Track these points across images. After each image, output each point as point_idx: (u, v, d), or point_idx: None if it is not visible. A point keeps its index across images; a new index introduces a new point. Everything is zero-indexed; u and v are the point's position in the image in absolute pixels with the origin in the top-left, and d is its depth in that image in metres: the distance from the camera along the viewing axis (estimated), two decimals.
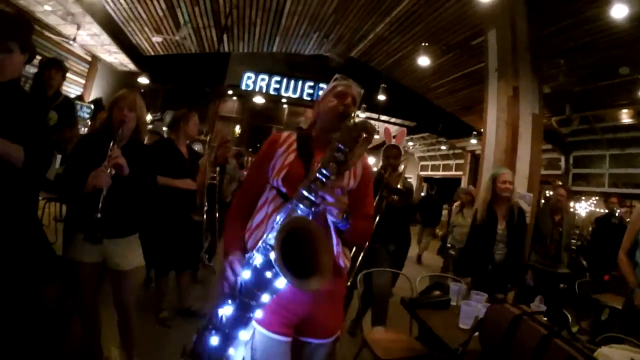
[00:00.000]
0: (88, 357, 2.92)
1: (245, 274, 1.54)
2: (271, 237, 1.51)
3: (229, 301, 1.56)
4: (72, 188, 2.52)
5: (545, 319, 2.08)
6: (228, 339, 1.56)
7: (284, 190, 1.78)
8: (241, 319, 1.55)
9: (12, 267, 2.13)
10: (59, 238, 3.58)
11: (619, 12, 5.46)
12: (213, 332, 1.57)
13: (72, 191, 2.55)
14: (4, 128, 1.98)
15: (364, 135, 1.59)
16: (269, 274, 1.50)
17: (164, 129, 7.58)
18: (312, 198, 1.55)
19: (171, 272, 4.19)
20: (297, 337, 1.80)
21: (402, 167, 4.40)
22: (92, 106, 4.78)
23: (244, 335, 1.59)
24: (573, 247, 5.90)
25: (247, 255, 1.61)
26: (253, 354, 1.68)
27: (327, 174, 1.55)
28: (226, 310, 1.55)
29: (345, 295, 4.34)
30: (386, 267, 4.31)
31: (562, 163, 13.43)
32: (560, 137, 12.59)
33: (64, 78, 4.38)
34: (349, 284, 3.42)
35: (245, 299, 1.53)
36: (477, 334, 2.24)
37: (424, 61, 9.59)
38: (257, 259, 1.53)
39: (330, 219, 1.69)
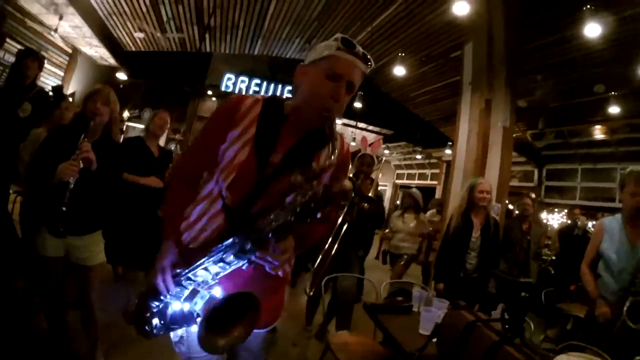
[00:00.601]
0: (53, 352, 2.93)
1: (175, 306, 1.47)
2: (201, 282, 1.43)
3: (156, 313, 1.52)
4: (40, 179, 2.53)
5: (507, 326, 2.13)
6: (168, 325, 1.54)
7: (227, 202, 1.53)
8: (179, 323, 1.49)
9: None
10: None
11: (592, 31, 5.62)
12: (155, 316, 1.54)
13: (39, 182, 2.56)
14: None
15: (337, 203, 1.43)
16: (192, 323, 1.44)
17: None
18: (248, 257, 1.38)
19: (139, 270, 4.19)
20: None
21: (374, 175, 4.46)
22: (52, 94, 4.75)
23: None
24: (544, 257, 6.01)
25: (180, 271, 1.48)
26: (188, 336, 1.60)
27: (273, 237, 1.34)
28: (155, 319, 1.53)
29: (313, 299, 4.41)
30: (355, 272, 4.37)
31: (536, 175, 13.75)
32: (535, 150, 12.88)
33: (40, 69, 4.33)
34: (311, 292, 3.46)
35: (172, 326, 1.51)
36: (435, 339, 2.30)
37: (404, 70, 9.71)
38: (185, 297, 1.45)
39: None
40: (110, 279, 4.55)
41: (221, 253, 1.39)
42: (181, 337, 1.62)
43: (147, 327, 1.54)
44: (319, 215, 1.26)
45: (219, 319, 1.31)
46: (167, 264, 1.48)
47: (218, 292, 1.42)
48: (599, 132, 11.33)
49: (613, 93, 8.48)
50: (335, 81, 1.43)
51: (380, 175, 19.01)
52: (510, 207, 8.06)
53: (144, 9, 10.27)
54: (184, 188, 1.65)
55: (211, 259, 1.41)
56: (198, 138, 1.68)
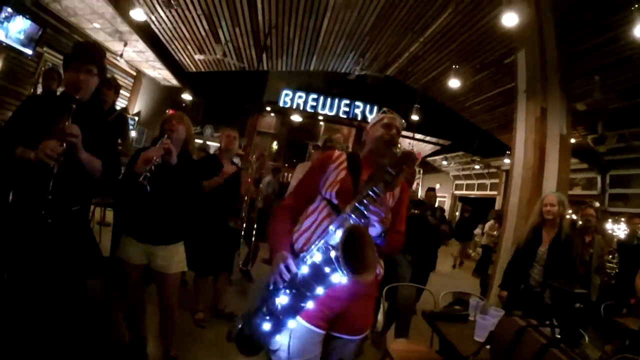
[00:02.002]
0: (130, 347, 3.21)
1: (304, 269, 1.75)
2: (332, 240, 1.74)
3: (286, 291, 1.78)
4: (128, 176, 2.75)
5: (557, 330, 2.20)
6: (279, 325, 1.80)
7: (335, 202, 2.03)
8: (294, 308, 1.78)
9: (64, 262, 2.36)
10: (102, 241, 3.91)
11: None
12: (267, 317, 1.80)
13: (127, 178, 2.76)
14: (89, 143, 2.25)
15: (409, 163, 1.85)
16: (327, 270, 1.69)
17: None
18: (363, 210, 1.78)
19: (209, 275, 4.47)
20: (330, 331, 2.00)
21: (415, 184, 4.59)
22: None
23: (291, 323, 1.82)
24: (608, 270, 5.78)
25: (302, 255, 1.82)
26: (290, 341, 1.85)
27: (377, 191, 1.77)
28: (282, 299, 1.77)
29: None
30: (408, 275, 4.48)
31: (599, 182, 13.09)
32: (597, 155, 12.32)
33: (117, 94, 4.80)
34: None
35: (303, 289, 1.75)
36: (489, 346, 2.39)
37: (458, 79, 9.72)
38: (317, 257, 1.74)
39: (372, 231, 1.87)
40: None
41: (344, 216, 1.81)
42: (281, 345, 1.88)
43: (256, 336, 1.83)
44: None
45: (351, 259, 1.61)
46: (287, 255, 1.85)
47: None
48: None
49: None
50: (387, 128, 2.22)
51: (438, 186, 18.86)
52: (574, 217, 7.84)
53: (202, 33, 10.76)
54: (289, 218, 2.14)
55: (334, 223, 1.82)
56: (305, 176, 2.27)
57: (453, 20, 8.60)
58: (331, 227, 1.79)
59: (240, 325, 1.86)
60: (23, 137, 2.14)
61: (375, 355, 3.92)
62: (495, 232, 11.50)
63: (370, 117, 12.06)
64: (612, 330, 4.69)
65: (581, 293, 4.30)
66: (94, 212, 5.90)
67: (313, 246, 1.79)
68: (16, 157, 2.10)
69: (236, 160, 6.02)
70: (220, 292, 4.60)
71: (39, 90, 8.07)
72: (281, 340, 1.86)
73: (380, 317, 4.68)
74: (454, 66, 9.79)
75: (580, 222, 5.20)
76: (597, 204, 12.39)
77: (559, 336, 2.06)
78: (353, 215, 1.78)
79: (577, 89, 8.29)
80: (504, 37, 7.97)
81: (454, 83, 9.82)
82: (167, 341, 3.22)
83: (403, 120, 2.30)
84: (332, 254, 1.67)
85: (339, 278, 1.68)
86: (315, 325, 1.90)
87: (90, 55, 2.40)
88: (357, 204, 1.78)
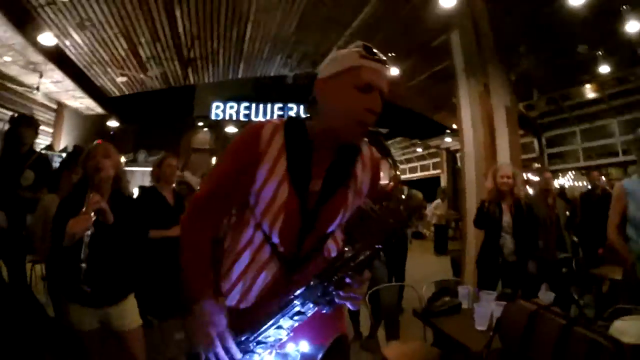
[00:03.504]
0: None
1: None
2: (274, 341, 1.27)
3: None
4: (57, 250, 2.35)
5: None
6: None
7: (280, 247, 1.39)
8: None
9: (14, 340, 2.06)
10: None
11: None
12: None
13: (57, 254, 2.40)
14: None
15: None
16: None
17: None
18: (330, 300, 1.25)
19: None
20: None
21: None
22: (66, 156, 4.71)
23: None
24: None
25: (244, 338, 1.29)
26: None
27: (353, 276, 1.23)
28: None
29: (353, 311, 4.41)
30: (385, 276, 4.39)
31: (536, 145, 13.76)
32: (530, 120, 12.92)
33: (36, 133, 4.34)
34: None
35: None
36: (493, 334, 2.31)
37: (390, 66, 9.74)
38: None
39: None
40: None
41: (297, 305, 1.25)
42: None
43: None
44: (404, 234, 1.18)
45: None
46: (223, 328, 1.28)
47: (305, 347, 1.30)
48: (589, 91, 11.40)
49: (599, 52, 8.54)
50: (368, 92, 1.30)
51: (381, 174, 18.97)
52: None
53: (122, 53, 10.27)
54: (206, 237, 1.43)
55: (286, 314, 1.25)
56: (217, 180, 1.47)
57: (376, 11, 8.59)
58: (293, 307, 1.25)
59: None
60: None
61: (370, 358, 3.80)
62: (439, 211, 11.80)
63: None
64: (587, 281, 4.83)
65: (565, 258, 4.43)
66: (33, 268, 5.43)
67: (261, 332, 1.27)
68: None
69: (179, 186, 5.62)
70: (192, 335, 4.24)
71: None
72: None
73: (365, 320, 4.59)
74: (385, 51, 9.81)
75: (539, 186, 5.33)
76: (538, 165, 13.08)
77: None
78: (311, 305, 1.25)
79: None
80: (428, 22, 8.03)
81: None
82: None
83: (390, 68, 1.43)
84: None
85: None
86: None
87: None
88: (318, 293, 1.24)
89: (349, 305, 1.31)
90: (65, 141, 12.53)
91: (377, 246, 1.19)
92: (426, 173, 20.26)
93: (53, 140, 11.95)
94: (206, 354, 1.29)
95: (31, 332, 2.32)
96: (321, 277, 1.24)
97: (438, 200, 12.32)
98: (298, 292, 1.26)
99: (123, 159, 14.29)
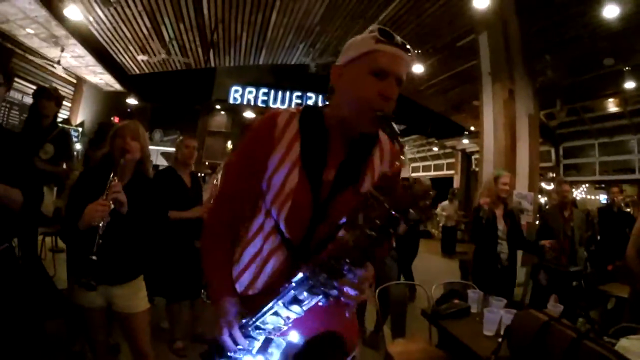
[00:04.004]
0: None
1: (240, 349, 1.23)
2: (273, 328, 1.23)
3: None
4: (71, 230, 2.28)
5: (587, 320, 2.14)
6: None
7: (287, 235, 1.35)
8: None
9: (16, 305, 2.06)
10: (58, 270, 3.53)
11: (610, 12, 5.65)
12: None
13: (70, 231, 2.34)
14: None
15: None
16: None
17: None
18: (325, 291, 1.17)
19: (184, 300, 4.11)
20: None
21: None
22: (94, 134, 4.66)
23: None
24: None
25: (245, 322, 1.26)
26: None
27: (351, 266, 1.12)
28: None
29: (359, 306, 4.41)
30: (395, 274, 4.38)
31: (553, 155, 13.67)
32: (549, 129, 12.83)
33: (58, 106, 4.26)
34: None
35: None
36: (501, 340, 2.30)
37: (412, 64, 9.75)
38: (258, 349, 1.23)
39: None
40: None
41: (292, 292, 1.19)
42: None
43: None
44: (403, 226, 1.06)
45: None
46: (233, 318, 1.25)
47: (295, 337, 1.25)
48: (612, 105, 11.29)
49: (627, 68, 8.48)
50: (383, 78, 1.23)
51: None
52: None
53: (145, 31, 10.34)
54: (225, 245, 1.41)
55: (281, 300, 1.21)
56: (233, 170, 1.47)
57: (403, 7, 8.56)
58: (290, 292, 1.19)
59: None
60: None
61: (373, 357, 3.79)
62: (446, 212, 11.65)
63: None
64: (594, 297, 4.80)
65: (576, 271, 4.40)
66: (44, 241, 5.45)
67: (260, 317, 1.23)
68: None
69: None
70: (198, 317, 4.20)
71: None
72: None
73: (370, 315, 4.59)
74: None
75: (557, 197, 5.29)
76: (553, 175, 13.01)
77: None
78: (305, 293, 1.18)
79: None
80: (454, 22, 8.00)
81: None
82: None
83: (410, 52, 1.28)
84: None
85: None
86: None
87: None
88: (310, 281, 1.16)
89: (346, 300, 1.19)
90: (82, 116, 12.60)
91: (375, 235, 1.07)
92: (439, 173, 20.10)
93: (70, 115, 12.01)
94: (215, 340, 1.26)
95: (38, 304, 2.30)
96: (316, 265, 1.16)
97: (446, 202, 12.11)
98: (294, 279, 1.20)
99: None
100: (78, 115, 12.51)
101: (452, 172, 18.73)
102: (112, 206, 2.20)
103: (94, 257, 2.12)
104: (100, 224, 2.15)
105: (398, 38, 1.25)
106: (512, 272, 4.09)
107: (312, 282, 1.15)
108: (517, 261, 4.17)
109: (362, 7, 8.96)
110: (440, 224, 12.25)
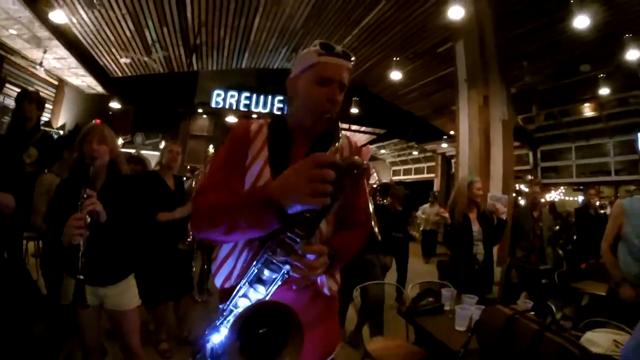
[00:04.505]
0: None
1: (215, 338, 1.28)
2: (252, 294, 1.29)
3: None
4: (53, 241, 2.26)
5: (532, 313, 2.26)
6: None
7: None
8: None
9: (6, 309, 2.10)
10: (40, 275, 3.56)
11: (573, 14, 5.87)
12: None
13: (54, 243, 2.29)
14: None
15: (356, 179, 1.21)
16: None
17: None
18: (278, 264, 1.26)
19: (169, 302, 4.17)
20: None
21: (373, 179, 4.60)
22: (67, 134, 4.69)
23: None
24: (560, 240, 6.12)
25: (220, 308, 1.35)
26: None
27: (295, 237, 1.23)
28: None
29: (340, 305, 4.52)
30: (380, 275, 4.50)
31: (530, 158, 13.98)
32: (527, 133, 13.10)
33: (40, 109, 4.26)
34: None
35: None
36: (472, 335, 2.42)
37: (393, 69, 9.93)
38: (223, 331, 1.29)
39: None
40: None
41: (255, 270, 1.28)
42: None
43: None
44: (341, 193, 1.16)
45: (256, 347, 1.17)
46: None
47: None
48: (588, 110, 11.65)
49: (601, 75, 8.76)
50: (327, 86, 1.44)
51: (375, 175, 19.16)
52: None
53: (128, 34, 10.28)
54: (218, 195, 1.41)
55: (246, 280, 1.30)
56: (217, 164, 1.55)
57: (387, 12, 8.68)
58: (251, 272, 1.29)
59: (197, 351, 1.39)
60: None
61: (352, 355, 3.90)
62: (424, 215, 11.61)
63: None
64: (568, 294, 4.97)
65: (546, 269, 4.56)
66: (27, 246, 5.42)
67: (231, 300, 1.33)
68: None
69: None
70: (183, 318, 4.33)
71: None
72: None
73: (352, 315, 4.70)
74: (390, 58, 9.97)
75: (527, 199, 5.47)
76: (531, 177, 13.28)
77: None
78: (266, 270, 1.28)
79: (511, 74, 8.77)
80: (437, 28, 8.15)
81: (389, 73, 10.05)
82: None
83: (353, 57, 1.50)
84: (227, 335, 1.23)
85: None
86: None
87: None
88: (266, 255, 1.27)
89: (305, 277, 1.31)
90: (64, 118, 12.51)
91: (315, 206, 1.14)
92: (420, 176, 20.40)
93: (52, 117, 11.92)
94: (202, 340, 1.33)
95: (25, 307, 2.35)
96: (270, 243, 1.26)
97: (427, 205, 11.95)
98: (257, 260, 1.29)
99: (120, 141, 14.36)
100: (60, 117, 12.42)
101: (432, 175, 19.01)
102: (89, 220, 2.19)
103: (81, 277, 2.08)
104: (81, 242, 2.11)
105: (338, 48, 1.46)
106: (489, 272, 4.22)
107: (268, 257, 1.26)
108: (493, 261, 4.29)
109: (345, 12, 9.04)
110: (421, 228, 12.19)
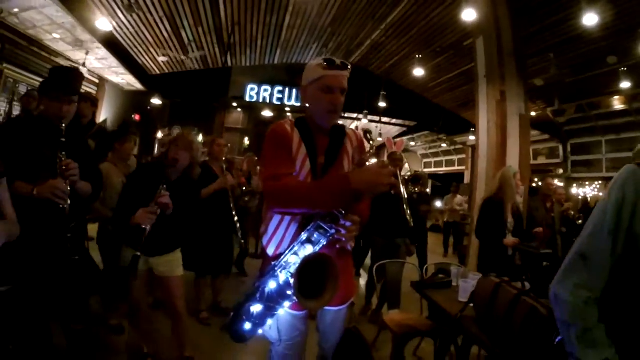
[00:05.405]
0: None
1: (272, 284, 1.81)
2: (293, 264, 1.77)
3: (257, 300, 1.85)
4: (120, 217, 2.88)
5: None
6: (264, 316, 1.89)
7: None
8: (266, 314, 1.87)
9: (68, 283, 2.43)
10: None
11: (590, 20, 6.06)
12: (252, 313, 1.86)
13: (119, 220, 2.94)
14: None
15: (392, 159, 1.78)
16: (289, 292, 1.78)
17: None
18: (327, 229, 1.76)
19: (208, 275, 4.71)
20: None
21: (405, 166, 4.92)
22: (118, 129, 5.20)
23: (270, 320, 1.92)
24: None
25: (273, 265, 1.82)
26: (276, 324, 1.95)
27: (341, 210, 1.74)
28: (255, 308, 1.85)
29: (369, 283, 4.92)
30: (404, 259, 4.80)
31: (561, 151, 13.78)
32: (557, 126, 12.96)
33: (94, 106, 4.82)
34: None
35: (270, 304, 1.83)
36: (472, 305, 2.75)
37: (420, 63, 10.18)
38: (281, 277, 1.80)
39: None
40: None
41: (307, 235, 1.78)
42: (271, 325, 1.96)
43: (241, 333, 1.89)
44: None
45: (308, 285, 1.68)
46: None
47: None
48: (617, 103, 11.42)
49: (623, 69, 8.75)
50: (332, 93, 1.88)
51: (407, 166, 19.33)
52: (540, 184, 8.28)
53: (165, 35, 10.82)
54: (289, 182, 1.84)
55: (298, 242, 1.79)
56: (276, 159, 1.90)
57: (410, 9, 8.93)
58: (303, 235, 1.79)
59: (231, 316, 1.93)
60: (15, 165, 2.10)
61: (373, 330, 4.22)
62: (449, 206, 11.31)
63: None
64: None
65: (546, 253, 4.75)
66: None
67: (283, 257, 1.81)
68: (15, 191, 2.06)
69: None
70: (219, 290, 4.84)
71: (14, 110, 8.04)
72: (270, 323, 1.94)
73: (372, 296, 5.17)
74: (415, 53, 10.21)
75: (541, 190, 5.64)
76: (561, 171, 13.07)
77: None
78: (316, 233, 1.78)
79: (534, 66, 8.84)
80: (460, 23, 8.29)
81: (416, 67, 10.26)
82: (181, 344, 3.30)
83: (350, 66, 1.95)
84: (291, 280, 1.74)
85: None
86: (296, 310, 1.94)
87: (72, 86, 2.42)
88: (319, 222, 1.76)
89: (343, 239, 1.81)
90: (105, 114, 13.07)
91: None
92: (451, 168, 20.36)
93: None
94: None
95: (84, 282, 2.73)
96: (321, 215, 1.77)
97: (448, 195, 11.65)
98: (308, 227, 1.79)
99: (160, 134, 14.91)
100: (101, 113, 13.03)
101: (463, 167, 18.91)
102: (159, 212, 2.76)
103: (138, 254, 2.71)
104: (148, 227, 2.71)
105: (338, 61, 1.90)
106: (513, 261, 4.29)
107: (320, 224, 1.75)
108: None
109: (372, 8, 9.33)
110: (444, 220, 11.97)
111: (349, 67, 1.95)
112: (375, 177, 1.62)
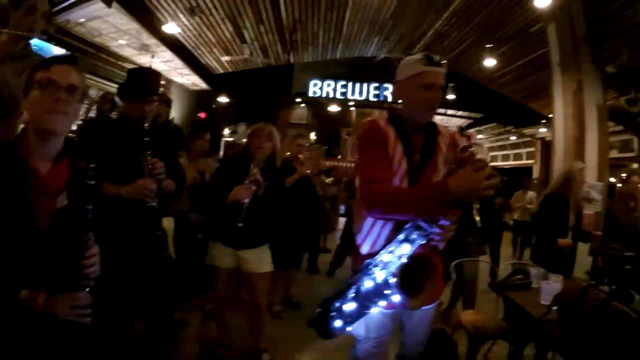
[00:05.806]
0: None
1: (368, 283, 1.82)
2: (398, 251, 1.78)
3: (352, 299, 1.86)
4: (215, 201, 3.08)
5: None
6: (354, 315, 1.89)
7: None
8: (361, 313, 1.88)
9: (156, 278, 2.46)
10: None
11: None
12: (342, 309, 1.87)
13: (216, 205, 3.11)
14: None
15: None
16: (387, 291, 1.78)
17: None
18: (426, 228, 1.74)
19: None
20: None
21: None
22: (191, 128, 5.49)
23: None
24: None
25: (367, 263, 1.85)
26: (364, 321, 1.95)
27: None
28: (349, 306, 1.86)
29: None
30: (477, 254, 4.71)
31: (635, 144, 12.93)
32: (631, 117, 12.17)
33: (169, 106, 4.96)
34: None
35: (366, 302, 1.84)
36: (555, 308, 2.65)
37: (484, 52, 9.92)
38: (379, 276, 1.80)
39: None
40: None
41: (405, 234, 1.77)
42: (358, 324, 1.95)
43: (331, 329, 1.89)
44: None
45: (407, 284, 1.71)
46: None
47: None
48: None
49: None
50: (432, 89, 1.87)
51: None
52: (612, 180, 7.82)
53: (227, 35, 11.02)
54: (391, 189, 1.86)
55: (395, 241, 1.80)
56: (372, 159, 1.94)
57: None
58: (401, 234, 1.79)
59: (318, 312, 1.93)
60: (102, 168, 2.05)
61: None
62: (519, 203, 10.38)
63: None
64: None
65: (630, 256, 4.51)
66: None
67: (378, 257, 1.83)
68: (104, 193, 2.13)
69: None
70: (290, 284, 4.94)
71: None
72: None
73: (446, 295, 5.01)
74: (481, 41, 9.88)
75: (623, 188, 5.30)
76: (636, 166, 12.30)
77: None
78: (415, 233, 1.77)
79: (604, 52, 8.31)
80: (525, 8, 7.97)
81: (480, 56, 10.01)
82: (257, 337, 3.41)
83: (446, 63, 1.93)
84: (391, 279, 1.75)
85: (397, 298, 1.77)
86: (386, 308, 1.91)
87: (152, 87, 2.51)
88: (420, 222, 1.75)
89: (439, 239, 1.79)
90: (171, 113, 13.46)
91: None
92: (519, 162, 19.35)
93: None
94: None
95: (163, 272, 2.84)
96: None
97: (519, 192, 10.74)
98: (406, 226, 1.78)
99: (226, 131, 15.26)
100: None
101: (531, 161, 18.03)
102: (254, 187, 2.98)
103: (240, 225, 2.95)
104: (246, 200, 2.96)
105: (437, 58, 1.89)
106: (571, 259, 4.22)
107: (419, 224, 1.74)
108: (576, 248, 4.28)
109: None
110: (513, 218, 11.02)
111: (444, 62, 1.94)
112: (473, 183, 1.59)
